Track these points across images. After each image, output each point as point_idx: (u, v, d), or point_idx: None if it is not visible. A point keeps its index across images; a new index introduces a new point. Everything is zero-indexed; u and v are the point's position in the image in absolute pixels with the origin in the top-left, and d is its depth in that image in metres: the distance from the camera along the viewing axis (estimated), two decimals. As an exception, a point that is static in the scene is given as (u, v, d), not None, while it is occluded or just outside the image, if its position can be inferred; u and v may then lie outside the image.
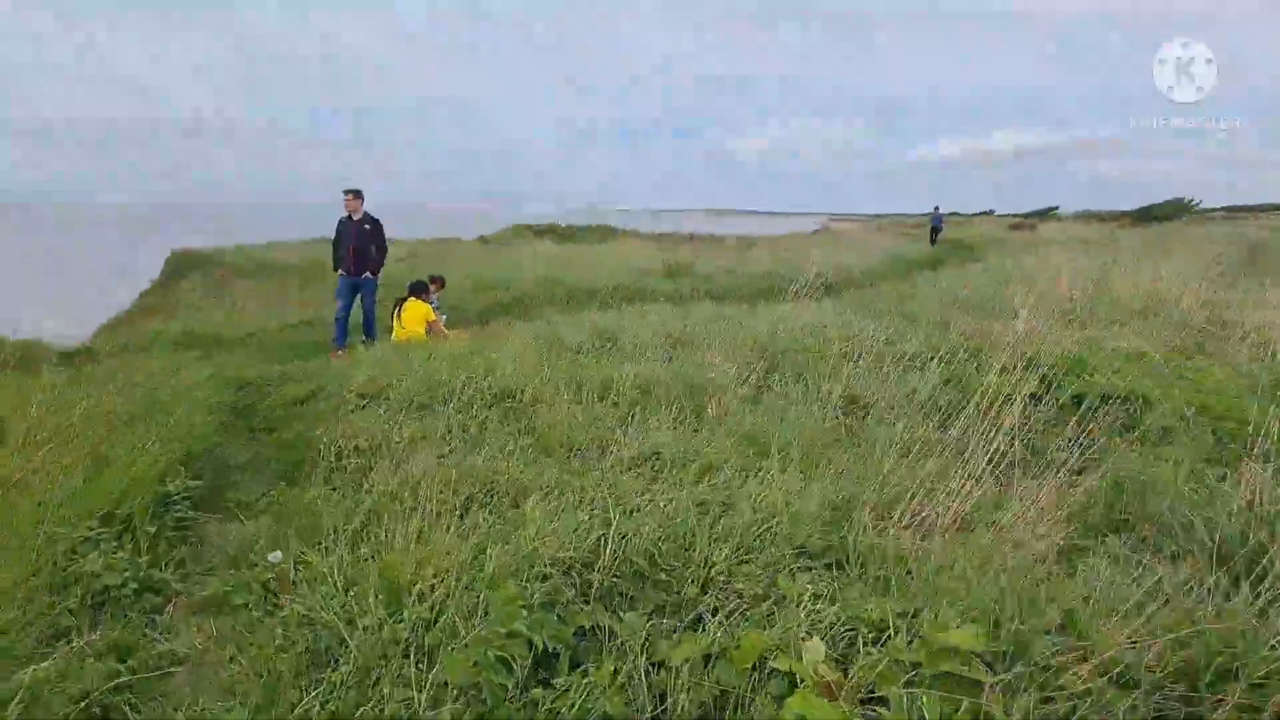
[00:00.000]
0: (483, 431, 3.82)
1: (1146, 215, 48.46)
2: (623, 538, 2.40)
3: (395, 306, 7.43)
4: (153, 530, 2.94)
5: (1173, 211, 46.59)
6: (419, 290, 7.60)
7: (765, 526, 2.51)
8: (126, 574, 2.58)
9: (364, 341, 8.29)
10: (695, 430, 3.74)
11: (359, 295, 7.98)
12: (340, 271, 7.84)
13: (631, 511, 2.61)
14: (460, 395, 4.31)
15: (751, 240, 22.71)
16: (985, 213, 77.65)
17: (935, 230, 24.27)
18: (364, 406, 4.36)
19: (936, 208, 25.24)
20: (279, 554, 2.65)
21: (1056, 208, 60.65)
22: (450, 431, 3.85)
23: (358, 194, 7.85)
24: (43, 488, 3.09)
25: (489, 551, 2.31)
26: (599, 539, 2.41)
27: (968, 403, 3.56)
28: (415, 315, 7.30)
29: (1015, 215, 61.34)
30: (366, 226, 7.76)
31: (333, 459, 3.62)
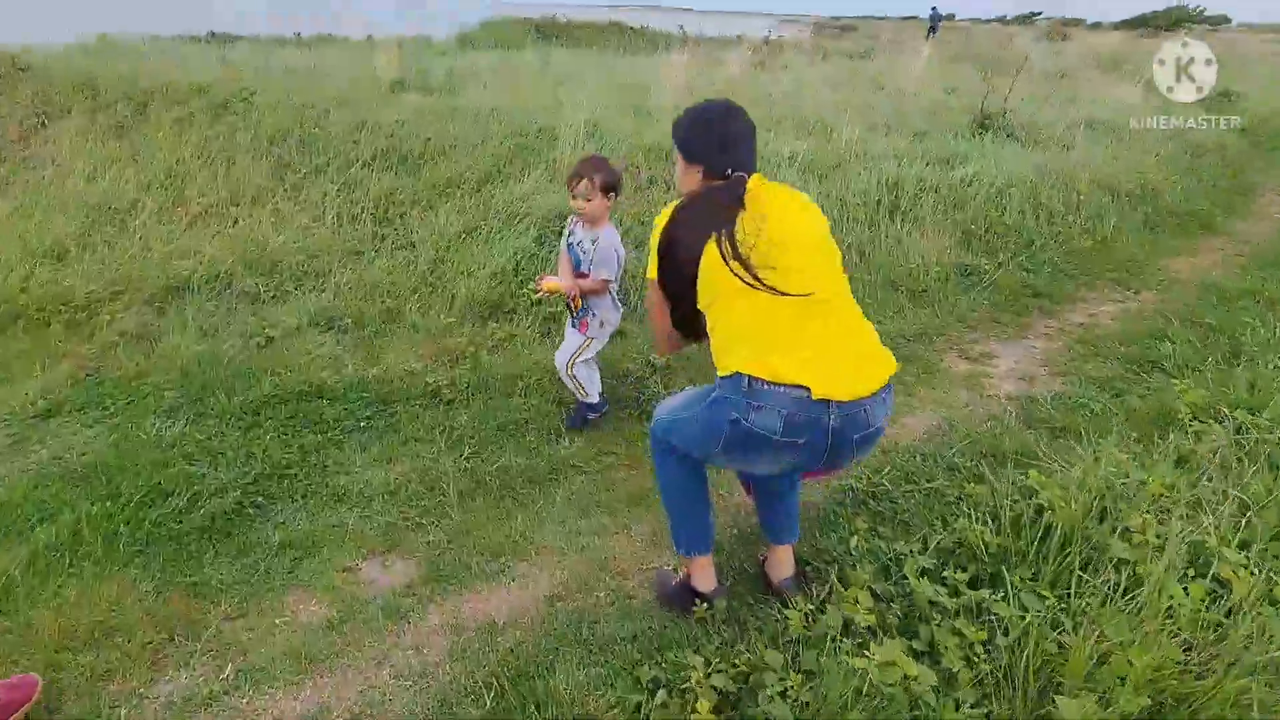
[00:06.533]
0: None
1: (1141, 24, 44.01)
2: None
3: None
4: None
5: (1175, 20, 42.30)
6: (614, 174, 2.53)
7: None
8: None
9: None
10: None
11: None
12: None
13: None
14: None
15: (844, 50, 15.42)
16: (948, 17, 70.91)
17: (932, 30, 23.79)
18: None
19: (934, 8, 24.70)
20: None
21: (1041, 12, 55.15)
22: None
23: None
24: None
25: None
26: None
27: None
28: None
29: (988, 20, 55.45)
30: None
31: None
